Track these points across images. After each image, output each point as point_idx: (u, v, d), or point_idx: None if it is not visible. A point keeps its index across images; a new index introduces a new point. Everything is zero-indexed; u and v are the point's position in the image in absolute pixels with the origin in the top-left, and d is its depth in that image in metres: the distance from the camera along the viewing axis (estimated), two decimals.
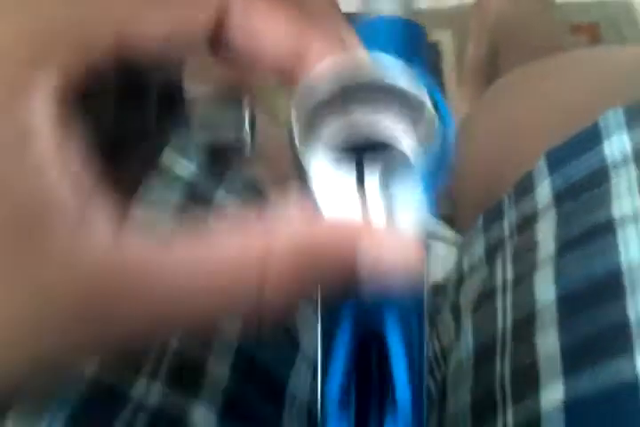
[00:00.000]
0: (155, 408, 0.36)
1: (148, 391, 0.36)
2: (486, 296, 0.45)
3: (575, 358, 0.37)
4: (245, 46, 0.24)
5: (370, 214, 0.24)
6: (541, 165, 0.46)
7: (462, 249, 0.53)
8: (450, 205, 0.75)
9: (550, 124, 0.49)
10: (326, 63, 0.24)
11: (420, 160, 0.25)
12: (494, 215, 0.49)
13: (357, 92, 0.25)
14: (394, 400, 0.25)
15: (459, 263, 0.52)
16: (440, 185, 0.26)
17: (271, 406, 0.41)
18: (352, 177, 0.25)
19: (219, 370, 0.39)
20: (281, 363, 0.43)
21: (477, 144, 0.60)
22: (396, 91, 0.25)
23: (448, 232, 0.77)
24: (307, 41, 0.24)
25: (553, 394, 0.36)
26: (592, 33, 1.11)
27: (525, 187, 0.47)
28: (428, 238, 0.73)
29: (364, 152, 0.26)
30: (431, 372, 0.48)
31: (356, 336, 0.25)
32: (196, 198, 0.45)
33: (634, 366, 0.34)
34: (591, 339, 0.37)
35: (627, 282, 0.37)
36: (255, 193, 0.49)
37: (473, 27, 1.07)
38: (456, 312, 0.48)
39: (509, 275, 0.44)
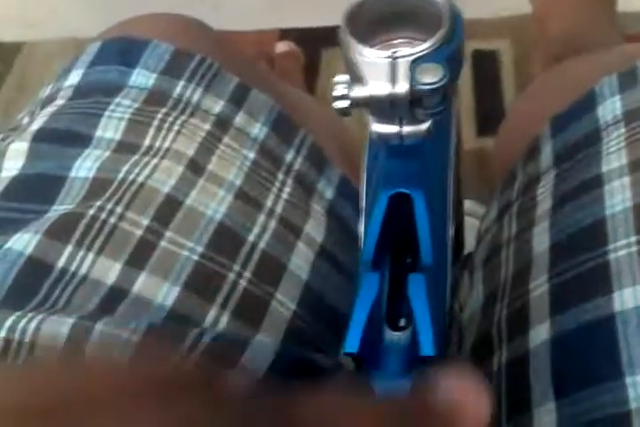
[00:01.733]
0: (219, 334, 0.41)
1: (216, 321, 0.41)
2: (494, 251, 0.48)
3: (561, 300, 0.40)
4: None
5: (396, 86, 0.28)
6: (546, 130, 0.50)
7: (483, 215, 0.56)
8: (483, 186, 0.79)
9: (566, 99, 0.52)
10: None
11: (442, 53, 0.29)
12: (508, 180, 0.52)
13: (399, 9, 0.32)
14: (420, 259, 0.28)
15: (478, 228, 0.55)
16: (457, 74, 0.30)
17: (332, 332, 0.45)
18: (388, 62, 0.29)
19: (284, 306, 0.44)
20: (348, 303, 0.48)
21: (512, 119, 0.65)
22: (425, 2, 0.31)
23: (481, 209, 0.81)
24: None
25: (541, 332, 0.40)
26: None
27: (532, 151, 0.50)
28: (466, 215, 0.77)
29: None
30: (450, 324, 0.51)
31: (388, 201, 0.29)
32: (268, 157, 0.49)
33: (611, 303, 0.37)
34: (575, 281, 0.40)
35: (609, 229, 0.40)
36: (319, 157, 0.53)
37: (535, 39, 1.09)
38: (471, 269, 0.51)
39: (513, 231, 0.47)
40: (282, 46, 1.23)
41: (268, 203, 0.47)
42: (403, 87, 0.29)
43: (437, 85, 0.28)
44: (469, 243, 0.65)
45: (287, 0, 1.33)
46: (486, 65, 1.24)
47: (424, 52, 0.29)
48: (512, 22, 1.28)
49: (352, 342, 0.27)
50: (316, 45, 1.25)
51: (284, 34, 1.29)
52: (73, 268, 0.41)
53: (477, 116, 1.18)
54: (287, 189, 0.49)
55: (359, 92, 0.29)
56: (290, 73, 1.17)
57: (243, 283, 0.44)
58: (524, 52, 1.24)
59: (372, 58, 0.29)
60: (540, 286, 0.42)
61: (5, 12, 1.41)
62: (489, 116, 1.17)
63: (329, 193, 0.52)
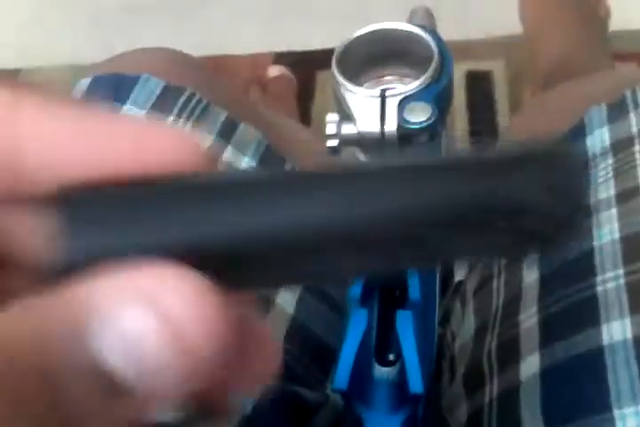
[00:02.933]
0: None
1: None
2: (485, 281, 0.48)
3: (550, 331, 0.40)
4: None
5: (385, 125, 0.29)
6: None
7: None
8: None
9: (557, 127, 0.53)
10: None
11: (430, 92, 0.30)
12: None
13: (389, 47, 0.31)
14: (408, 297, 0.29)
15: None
16: (446, 111, 0.30)
17: (319, 367, 0.46)
18: (377, 101, 0.30)
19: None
20: (336, 336, 0.48)
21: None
22: (415, 41, 0.32)
23: None
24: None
25: (531, 364, 0.40)
26: (638, 62, 1.14)
27: None
28: None
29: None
30: (443, 354, 0.51)
31: None
32: None
33: (599, 335, 0.38)
34: (564, 313, 0.41)
35: (597, 261, 0.41)
36: None
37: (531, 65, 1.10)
38: (463, 298, 0.51)
39: (502, 262, 0.47)
40: (274, 71, 1.24)
41: None
42: (392, 126, 0.29)
43: (425, 124, 0.29)
44: (459, 270, 0.66)
45: (282, 23, 1.34)
46: (480, 86, 1.25)
47: (412, 91, 0.30)
48: (505, 43, 1.29)
49: (341, 379, 0.27)
50: (310, 68, 1.26)
51: (279, 57, 1.29)
52: None
53: (471, 137, 1.19)
54: None
55: (349, 130, 0.30)
56: (282, 97, 1.18)
57: None
58: (518, 73, 1.25)
59: (361, 96, 0.30)
60: (529, 318, 0.42)
61: (1, 39, 1.42)
62: (483, 137, 1.18)
63: None
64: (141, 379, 0.14)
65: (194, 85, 0.52)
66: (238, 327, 0.15)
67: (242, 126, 0.52)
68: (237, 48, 1.30)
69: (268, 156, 0.52)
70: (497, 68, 1.27)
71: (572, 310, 0.40)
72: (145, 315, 0.14)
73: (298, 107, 1.21)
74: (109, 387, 0.14)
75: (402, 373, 0.28)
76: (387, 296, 0.31)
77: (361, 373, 0.28)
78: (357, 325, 0.28)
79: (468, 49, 1.23)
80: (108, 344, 0.14)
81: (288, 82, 1.22)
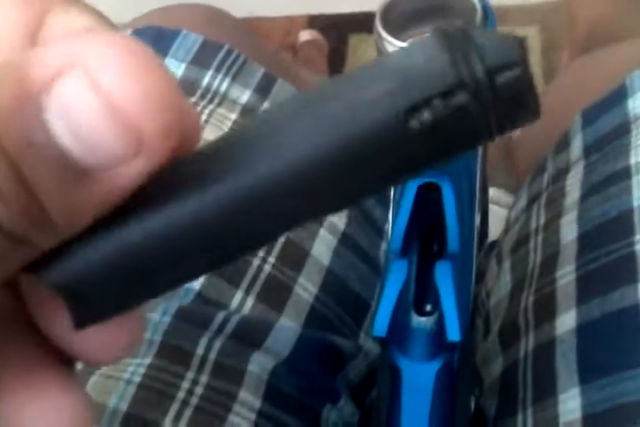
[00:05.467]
0: (245, 316, 0.42)
1: (242, 304, 0.43)
2: (523, 240, 0.49)
3: (587, 288, 0.41)
4: None
5: None
6: (576, 123, 0.50)
7: (512, 205, 0.57)
8: (509, 176, 0.80)
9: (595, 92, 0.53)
10: None
11: None
12: (538, 171, 0.53)
13: (431, 4, 0.32)
14: (447, 246, 0.29)
15: (507, 217, 0.56)
16: None
17: (353, 316, 0.47)
18: None
19: (307, 291, 0.45)
20: (369, 288, 0.48)
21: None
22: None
23: (508, 198, 0.82)
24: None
25: (567, 320, 0.40)
26: None
27: (563, 143, 0.51)
28: (490, 203, 0.78)
29: None
30: (477, 309, 0.52)
31: (418, 188, 0.30)
32: None
33: (636, 293, 0.38)
34: (602, 270, 0.41)
35: (636, 220, 0.41)
36: None
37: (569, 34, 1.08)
38: (499, 257, 0.52)
39: (542, 220, 0.48)
40: (305, 35, 1.24)
41: None
42: None
43: None
44: (492, 230, 0.66)
45: None
46: None
47: None
48: (541, 9, 1.27)
49: (381, 326, 0.28)
50: (343, 31, 1.26)
51: (312, 20, 1.29)
52: None
53: None
54: None
55: None
56: (313, 61, 1.18)
57: (267, 268, 0.45)
58: (553, 39, 1.23)
59: None
60: (567, 275, 0.42)
61: None
62: None
63: None
64: (90, 158, 0.13)
65: (232, 41, 0.53)
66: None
67: (279, 82, 0.52)
68: (272, 11, 1.30)
69: None
70: (532, 34, 1.26)
71: (610, 267, 0.40)
72: (79, 84, 0.13)
73: (329, 71, 1.20)
74: (66, 167, 0.13)
75: (439, 323, 0.29)
76: (425, 249, 0.32)
77: (399, 322, 0.29)
78: (397, 275, 0.29)
79: (502, 14, 1.22)
80: (54, 117, 0.13)
81: (319, 46, 1.22)
